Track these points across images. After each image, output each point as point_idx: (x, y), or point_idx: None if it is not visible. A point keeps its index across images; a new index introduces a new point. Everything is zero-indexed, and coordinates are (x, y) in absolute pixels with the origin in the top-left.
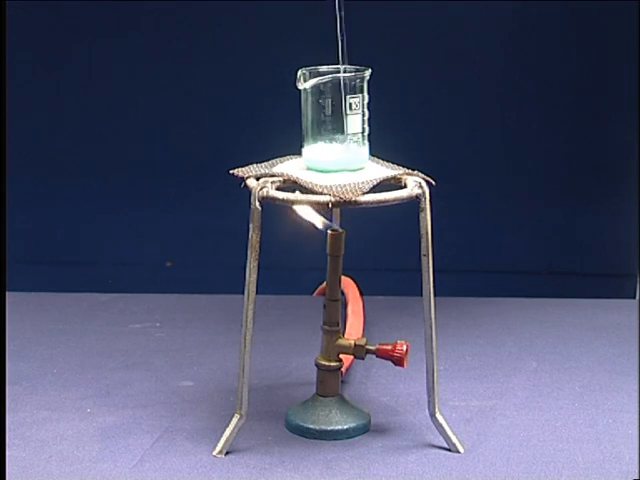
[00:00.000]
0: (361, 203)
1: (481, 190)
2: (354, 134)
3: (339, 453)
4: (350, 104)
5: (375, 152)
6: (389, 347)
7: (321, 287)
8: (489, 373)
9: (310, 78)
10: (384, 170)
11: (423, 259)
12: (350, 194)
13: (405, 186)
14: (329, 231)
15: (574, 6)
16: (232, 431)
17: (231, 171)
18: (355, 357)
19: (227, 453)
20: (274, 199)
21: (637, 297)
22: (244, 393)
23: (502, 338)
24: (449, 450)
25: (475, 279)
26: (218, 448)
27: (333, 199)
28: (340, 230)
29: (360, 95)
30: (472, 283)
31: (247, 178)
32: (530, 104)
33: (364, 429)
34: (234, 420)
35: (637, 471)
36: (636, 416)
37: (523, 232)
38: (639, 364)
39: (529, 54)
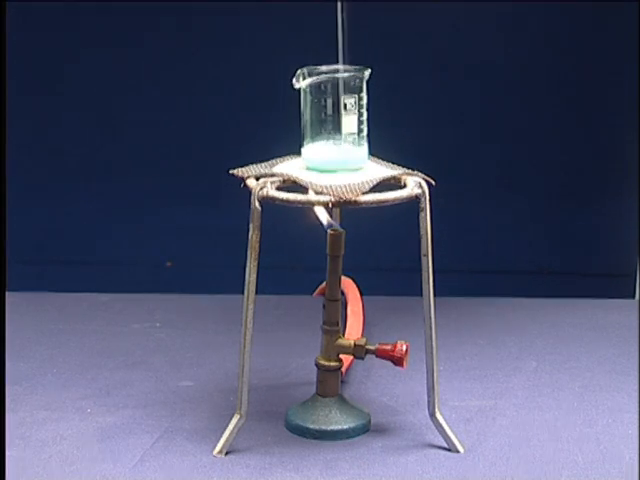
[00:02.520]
0: (361, 203)
1: (481, 191)
2: (350, 134)
3: (339, 453)
4: (345, 104)
5: (375, 152)
6: (389, 347)
7: (321, 287)
8: (489, 373)
9: (308, 77)
10: (384, 170)
11: (423, 259)
12: (350, 194)
13: (405, 186)
14: (329, 231)
15: (574, 7)
16: (232, 431)
17: (231, 171)
18: (355, 357)
19: (227, 453)
20: (274, 199)
21: (637, 297)
22: (244, 393)
23: (502, 338)
24: (449, 450)
25: (475, 279)
26: (218, 448)
27: (333, 199)
28: (340, 230)
29: (356, 95)
30: (472, 283)
31: (247, 178)
32: (530, 104)
33: (364, 429)
34: (234, 420)
35: (637, 471)
36: (636, 416)
37: (523, 232)
38: (639, 364)
39: (528, 54)
